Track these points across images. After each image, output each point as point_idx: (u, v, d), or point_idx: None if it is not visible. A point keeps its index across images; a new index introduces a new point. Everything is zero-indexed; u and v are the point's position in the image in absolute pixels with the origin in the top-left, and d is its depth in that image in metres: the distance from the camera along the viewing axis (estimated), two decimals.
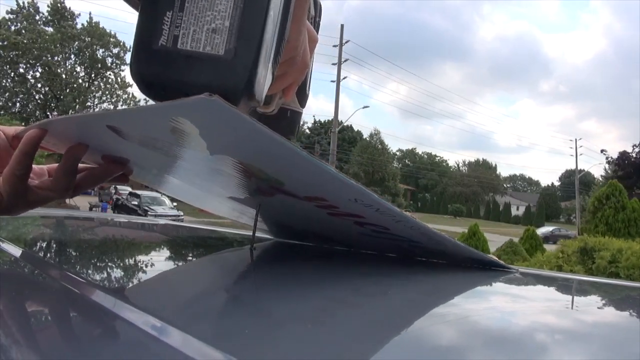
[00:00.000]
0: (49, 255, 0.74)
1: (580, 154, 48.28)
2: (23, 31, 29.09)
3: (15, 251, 0.66)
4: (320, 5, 0.51)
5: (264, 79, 0.31)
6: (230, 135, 0.41)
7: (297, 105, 0.55)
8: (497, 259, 0.65)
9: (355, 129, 47.15)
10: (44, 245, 0.87)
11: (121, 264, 0.67)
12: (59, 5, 30.56)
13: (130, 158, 0.57)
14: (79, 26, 30.76)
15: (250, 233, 0.72)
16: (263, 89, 0.31)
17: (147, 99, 0.36)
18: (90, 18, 30.92)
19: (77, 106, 30.40)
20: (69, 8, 30.84)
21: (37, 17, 30.21)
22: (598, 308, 0.52)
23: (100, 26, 30.99)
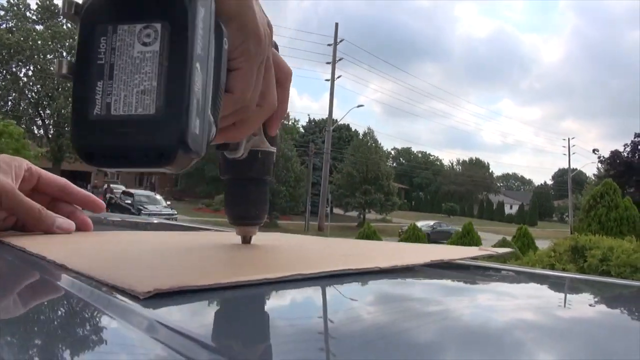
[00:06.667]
0: (47, 254, 0.74)
1: (574, 153, 48.64)
2: (14, 29, 28.84)
3: (15, 251, 0.66)
4: (276, 44, 0.51)
5: (201, 130, 0.32)
6: None
7: (266, 145, 0.54)
8: (489, 250, 0.66)
9: (353, 129, 47.15)
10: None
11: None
12: (47, 2, 30.31)
13: None
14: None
15: None
16: (201, 141, 0.32)
17: None
18: None
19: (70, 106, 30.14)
20: (59, 6, 30.54)
21: (28, 15, 29.94)
22: (590, 305, 0.53)
23: None
